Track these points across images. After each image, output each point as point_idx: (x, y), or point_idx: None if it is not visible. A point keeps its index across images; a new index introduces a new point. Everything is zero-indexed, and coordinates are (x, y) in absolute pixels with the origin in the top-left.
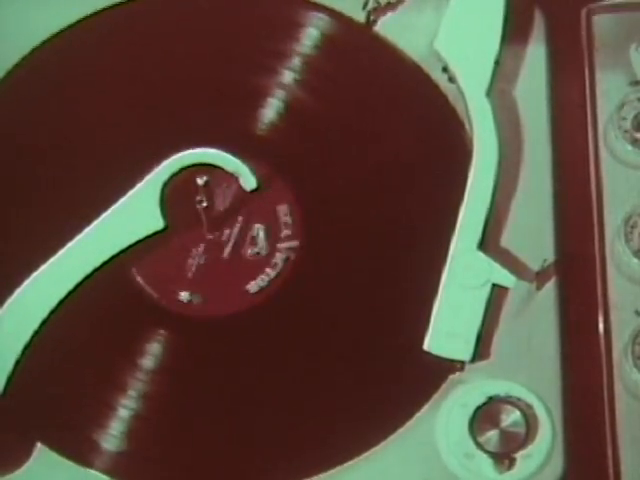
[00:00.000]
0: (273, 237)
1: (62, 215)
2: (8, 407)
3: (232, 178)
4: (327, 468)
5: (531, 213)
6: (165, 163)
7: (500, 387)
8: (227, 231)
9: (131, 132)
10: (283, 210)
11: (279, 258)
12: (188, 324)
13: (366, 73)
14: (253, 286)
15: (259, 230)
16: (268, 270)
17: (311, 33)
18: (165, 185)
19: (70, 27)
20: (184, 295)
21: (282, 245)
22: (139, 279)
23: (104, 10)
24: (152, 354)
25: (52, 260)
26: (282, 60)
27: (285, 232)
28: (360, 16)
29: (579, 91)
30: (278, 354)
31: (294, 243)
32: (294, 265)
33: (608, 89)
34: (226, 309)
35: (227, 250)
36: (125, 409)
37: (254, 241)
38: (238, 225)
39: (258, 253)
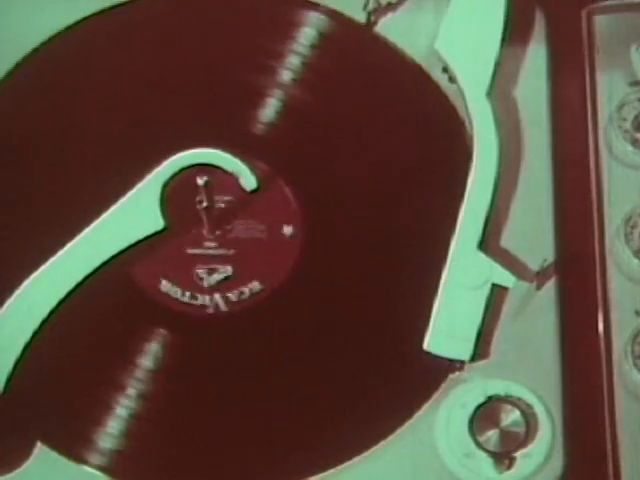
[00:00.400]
0: (225, 286)
1: (62, 215)
2: (8, 406)
3: (232, 178)
4: (327, 468)
5: (531, 213)
6: (165, 163)
7: (500, 387)
8: (214, 244)
9: (131, 132)
10: (253, 286)
11: (208, 300)
12: (187, 323)
13: (366, 73)
14: (166, 286)
15: (224, 272)
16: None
17: (309, 33)
18: (165, 185)
19: (70, 27)
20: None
21: (218, 296)
22: (139, 279)
23: (103, 11)
24: (151, 354)
25: (52, 260)
26: (281, 60)
27: (233, 294)
28: (361, 16)
29: (579, 91)
30: (278, 354)
31: (233, 297)
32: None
33: (608, 89)
34: None
35: (194, 250)
36: (124, 408)
37: (211, 272)
38: (223, 251)
39: (200, 280)
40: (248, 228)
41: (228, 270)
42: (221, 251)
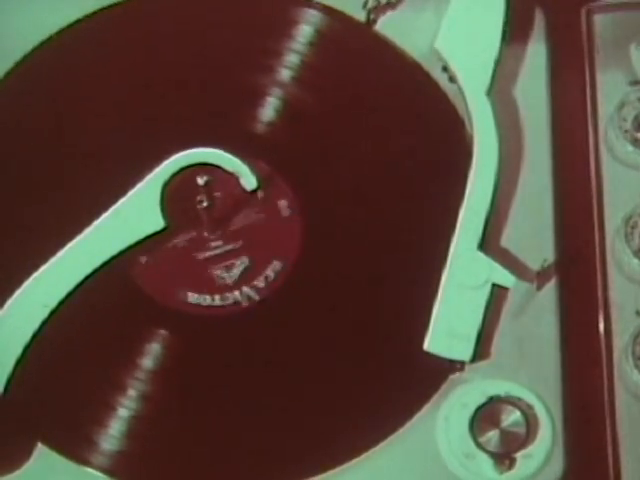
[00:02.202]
0: (248, 276)
1: (62, 215)
2: (8, 407)
3: (232, 178)
4: (327, 468)
5: (531, 213)
6: (165, 163)
7: (500, 387)
8: (219, 242)
9: (131, 132)
10: (275, 266)
11: (238, 296)
12: (188, 324)
13: (365, 71)
14: (194, 297)
15: (242, 264)
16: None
17: (308, 31)
18: (165, 185)
19: (70, 27)
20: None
21: (246, 288)
22: (139, 279)
23: (103, 10)
24: (152, 354)
25: (52, 260)
26: (280, 58)
27: (259, 281)
28: (360, 15)
29: (579, 91)
30: (278, 354)
31: (261, 283)
32: (286, 274)
33: (608, 89)
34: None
35: (204, 254)
36: (125, 409)
37: (229, 268)
38: (232, 246)
39: (222, 279)
40: (246, 218)
41: (245, 261)
42: (229, 247)
